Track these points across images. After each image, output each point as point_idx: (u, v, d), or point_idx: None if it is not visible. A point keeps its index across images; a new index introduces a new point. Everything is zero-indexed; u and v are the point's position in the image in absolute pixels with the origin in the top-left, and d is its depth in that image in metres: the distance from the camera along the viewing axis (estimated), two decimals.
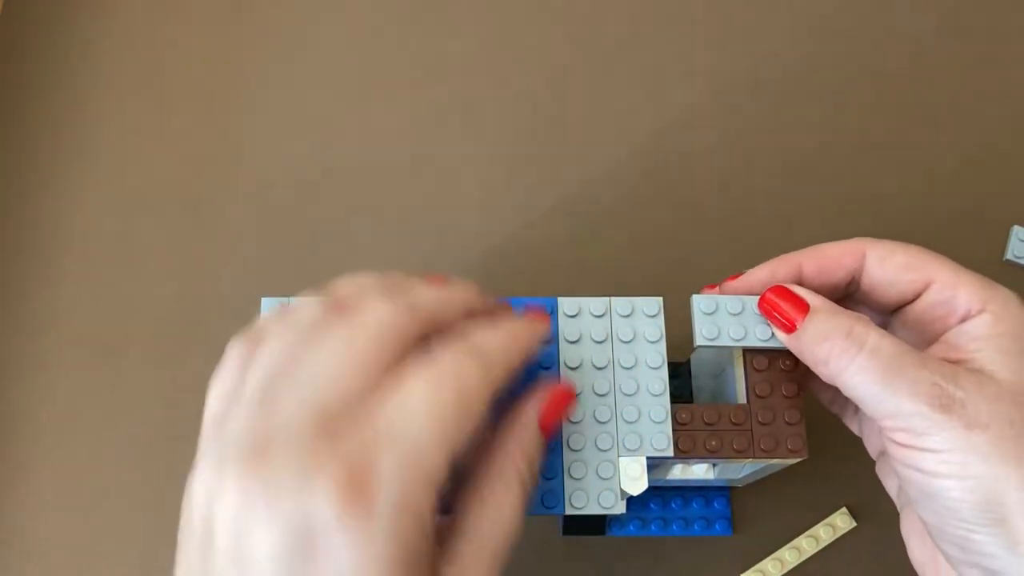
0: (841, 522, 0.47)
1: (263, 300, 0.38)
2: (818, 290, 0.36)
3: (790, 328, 0.35)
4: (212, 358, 0.49)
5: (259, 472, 0.26)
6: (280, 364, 0.29)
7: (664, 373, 0.37)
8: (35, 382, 0.49)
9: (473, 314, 0.33)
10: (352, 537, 0.25)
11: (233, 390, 0.30)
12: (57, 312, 0.50)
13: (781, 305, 0.35)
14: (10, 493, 0.47)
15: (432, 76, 0.56)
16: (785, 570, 0.46)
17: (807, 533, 0.47)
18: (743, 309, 0.38)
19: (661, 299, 0.38)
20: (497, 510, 0.30)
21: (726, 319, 0.38)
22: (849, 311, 0.34)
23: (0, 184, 0.53)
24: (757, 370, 0.37)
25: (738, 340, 0.37)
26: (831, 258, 0.36)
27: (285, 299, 0.38)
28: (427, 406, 0.27)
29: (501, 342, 0.31)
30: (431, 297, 0.31)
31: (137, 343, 0.50)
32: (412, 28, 0.57)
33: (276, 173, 0.54)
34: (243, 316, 0.44)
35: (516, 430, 0.32)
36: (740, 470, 0.41)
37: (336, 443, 0.26)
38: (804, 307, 0.34)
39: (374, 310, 0.29)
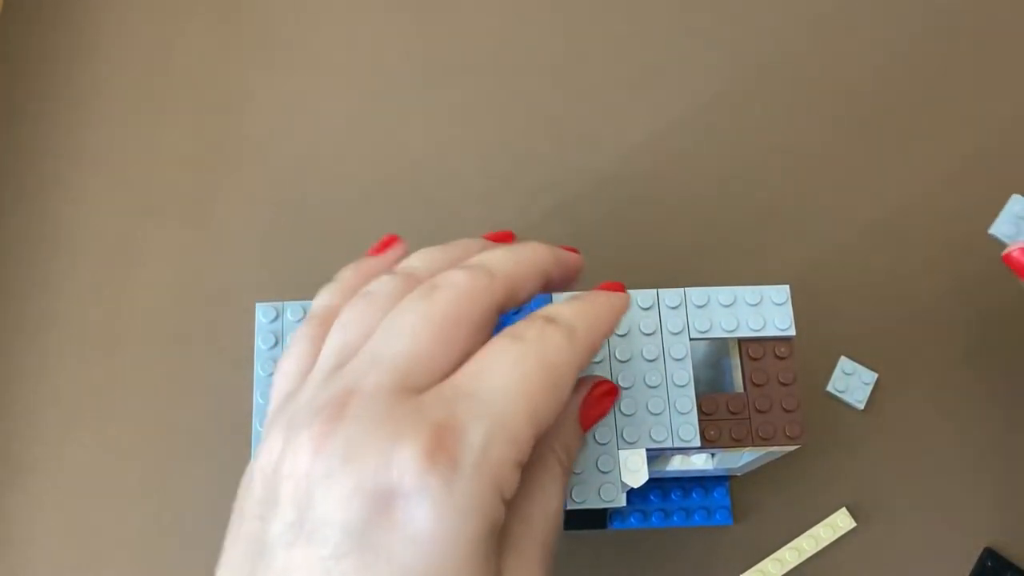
0: (841, 522, 0.47)
1: (257, 305, 0.39)
2: None
3: None
4: (211, 358, 0.50)
5: (336, 431, 0.24)
6: (354, 335, 0.28)
7: (659, 366, 0.37)
8: (35, 382, 0.49)
9: (549, 277, 0.31)
10: (433, 498, 0.23)
11: (303, 369, 0.29)
12: (57, 312, 0.51)
13: None
14: (10, 493, 0.47)
15: (431, 76, 0.57)
16: (785, 570, 0.46)
17: (807, 533, 0.47)
18: (735, 300, 0.38)
19: (656, 291, 0.38)
20: (544, 499, 0.28)
21: (718, 311, 0.38)
22: None
23: (0, 184, 0.54)
24: (753, 358, 0.37)
25: (730, 331, 0.37)
26: None
27: (279, 303, 0.39)
28: (516, 380, 0.26)
29: (587, 316, 0.29)
30: (506, 260, 0.29)
31: (137, 343, 0.50)
32: (412, 28, 0.58)
33: (276, 174, 0.54)
34: (243, 317, 0.45)
35: (556, 421, 0.29)
36: (739, 459, 0.41)
37: (420, 405, 0.25)
38: None
39: (451, 279, 0.28)
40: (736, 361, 0.38)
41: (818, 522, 0.47)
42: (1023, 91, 0.57)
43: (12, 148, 0.54)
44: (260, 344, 0.38)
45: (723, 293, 0.38)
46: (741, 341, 0.38)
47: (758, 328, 0.37)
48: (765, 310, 0.38)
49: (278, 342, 0.38)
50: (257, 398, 0.37)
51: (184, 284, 0.51)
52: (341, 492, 0.24)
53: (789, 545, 0.47)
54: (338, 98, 0.56)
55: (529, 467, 0.27)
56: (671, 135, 0.55)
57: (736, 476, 0.47)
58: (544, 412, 0.26)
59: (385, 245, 0.35)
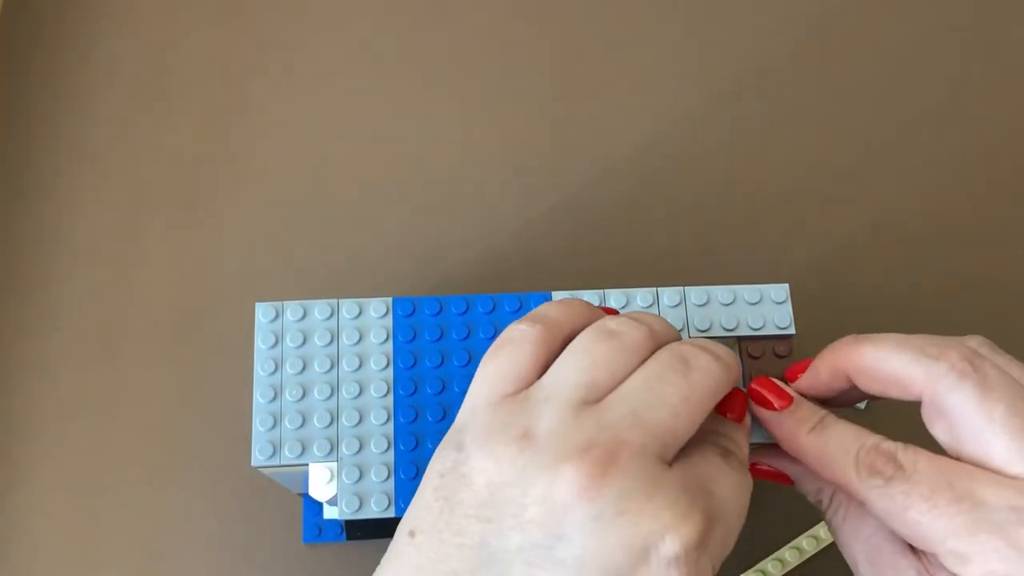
0: None
1: (257, 305, 0.39)
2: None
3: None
4: (211, 358, 0.50)
5: (609, 480, 0.27)
6: (604, 376, 0.30)
7: None
8: (35, 382, 0.49)
9: None
10: (687, 571, 0.27)
11: (524, 374, 0.31)
12: (57, 312, 0.51)
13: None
14: (10, 493, 0.47)
15: (431, 76, 0.57)
16: (785, 570, 0.46)
17: (807, 533, 0.47)
18: (735, 299, 0.38)
19: (655, 290, 0.38)
20: None
21: (718, 310, 0.38)
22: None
23: (0, 184, 0.53)
24: (752, 357, 0.37)
25: (730, 330, 0.37)
26: (891, 380, 0.32)
27: (279, 303, 0.39)
28: (739, 498, 0.30)
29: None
30: (734, 359, 0.32)
31: (137, 342, 0.50)
32: (412, 29, 0.58)
33: (276, 174, 0.54)
34: (243, 317, 0.45)
35: None
36: None
37: (683, 483, 0.28)
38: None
39: (703, 363, 0.31)
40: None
41: (818, 522, 0.47)
42: (1023, 90, 0.57)
43: (12, 148, 0.54)
44: (260, 344, 0.38)
45: (723, 292, 0.38)
46: (741, 340, 0.38)
47: (758, 327, 0.37)
48: (765, 309, 0.38)
49: (278, 341, 0.38)
50: (257, 397, 0.37)
51: (184, 284, 0.51)
52: (610, 540, 0.27)
53: (789, 545, 0.47)
54: (338, 98, 0.56)
55: None
56: (671, 135, 0.55)
57: None
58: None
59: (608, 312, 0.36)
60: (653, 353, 0.31)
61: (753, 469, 0.36)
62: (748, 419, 0.34)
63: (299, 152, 0.55)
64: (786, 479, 0.36)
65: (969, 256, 0.53)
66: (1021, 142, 0.55)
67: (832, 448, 0.32)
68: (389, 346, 0.38)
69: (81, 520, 0.47)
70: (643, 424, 0.28)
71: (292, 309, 0.38)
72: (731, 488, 0.30)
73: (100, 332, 0.50)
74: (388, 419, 0.37)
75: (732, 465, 0.31)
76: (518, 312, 0.39)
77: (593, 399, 0.29)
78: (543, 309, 0.33)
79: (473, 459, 0.29)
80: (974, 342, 0.32)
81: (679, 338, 0.33)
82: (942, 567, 0.30)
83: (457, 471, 0.29)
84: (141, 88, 0.56)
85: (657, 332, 0.32)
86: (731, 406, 0.33)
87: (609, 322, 0.32)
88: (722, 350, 0.32)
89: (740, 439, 0.33)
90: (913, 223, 0.53)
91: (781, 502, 0.47)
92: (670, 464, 0.29)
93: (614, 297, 0.38)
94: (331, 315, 0.38)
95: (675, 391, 0.29)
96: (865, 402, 0.49)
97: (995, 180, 0.55)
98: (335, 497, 0.36)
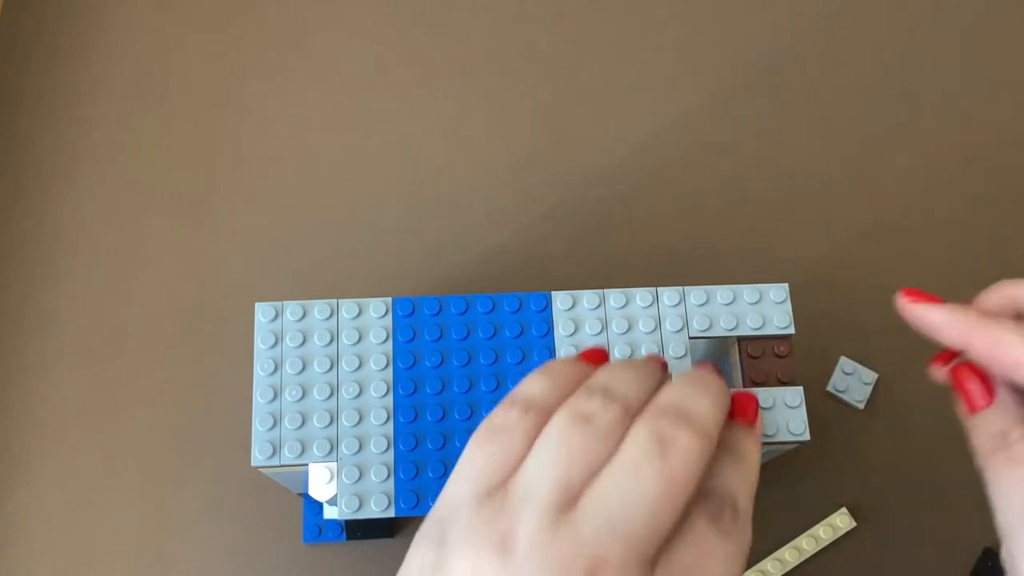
0: (841, 522, 0.47)
1: (256, 305, 0.39)
2: None
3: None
4: (211, 358, 0.50)
5: None
6: (579, 473, 0.29)
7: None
8: (35, 382, 0.49)
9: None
10: None
11: (510, 462, 0.30)
12: (57, 312, 0.51)
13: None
14: (11, 493, 0.47)
15: (432, 77, 0.57)
16: (785, 570, 0.46)
17: (807, 533, 0.47)
18: (734, 299, 0.38)
19: (655, 290, 0.38)
20: None
21: (718, 310, 0.38)
22: None
23: (0, 184, 0.54)
24: (752, 357, 0.37)
25: (730, 330, 0.37)
26: None
27: (279, 303, 0.39)
28: (734, 573, 0.29)
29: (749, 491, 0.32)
30: (714, 410, 0.31)
31: (137, 343, 0.50)
32: (412, 30, 0.58)
33: (276, 174, 0.54)
34: (243, 317, 0.45)
35: None
36: None
37: None
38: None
39: (681, 443, 0.29)
40: (736, 359, 0.38)
41: (818, 522, 0.47)
42: (1022, 90, 0.57)
43: (13, 147, 0.54)
44: (259, 344, 0.38)
45: (722, 291, 0.38)
46: (740, 339, 0.38)
47: (757, 327, 0.37)
48: (764, 308, 0.38)
49: (277, 341, 0.38)
50: (257, 397, 0.37)
51: (184, 284, 0.51)
52: None
53: (789, 545, 0.47)
54: (338, 100, 0.56)
55: None
56: (670, 135, 0.55)
57: None
58: None
59: (595, 358, 0.34)
60: (629, 428, 0.30)
61: (958, 374, 0.37)
62: (760, 422, 0.33)
63: (299, 152, 0.55)
64: (988, 392, 0.36)
65: (969, 256, 0.53)
66: (1021, 142, 0.55)
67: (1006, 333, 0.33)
68: (389, 346, 0.38)
69: (81, 520, 0.47)
70: (621, 534, 0.27)
71: (292, 309, 0.38)
72: (722, 566, 0.29)
73: (100, 332, 0.50)
74: (388, 419, 0.37)
75: (723, 528, 0.29)
76: (517, 312, 0.38)
77: (571, 499, 0.28)
78: (534, 390, 0.32)
79: (452, 561, 0.28)
80: None
81: (662, 381, 0.32)
82: None
83: (437, 572, 0.28)
84: (141, 88, 0.56)
85: (632, 405, 0.31)
86: (742, 410, 0.32)
87: (582, 404, 0.30)
88: (702, 407, 0.30)
89: (749, 446, 0.32)
90: (913, 223, 0.53)
91: (781, 502, 0.48)
92: (655, 560, 0.28)
93: (614, 297, 0.38)
94: (331, 315, 0.38)
95: (653, 485, 0.28)
96: (865, 400, 0.49)
97: (995, 180, 0.55)
98: (335, 497, 0.36)
